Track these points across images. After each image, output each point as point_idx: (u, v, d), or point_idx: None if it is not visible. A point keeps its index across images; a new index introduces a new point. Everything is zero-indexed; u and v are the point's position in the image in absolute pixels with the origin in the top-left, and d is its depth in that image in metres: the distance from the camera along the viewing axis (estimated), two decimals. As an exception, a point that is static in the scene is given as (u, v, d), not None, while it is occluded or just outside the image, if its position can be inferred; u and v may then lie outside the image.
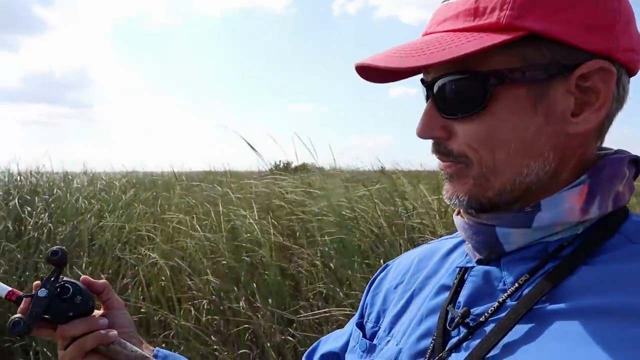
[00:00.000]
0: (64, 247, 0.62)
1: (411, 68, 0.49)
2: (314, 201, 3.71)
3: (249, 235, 3.34)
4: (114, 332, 0.64)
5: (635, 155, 0.54)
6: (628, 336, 0.40)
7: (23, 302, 0.60)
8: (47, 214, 4.58)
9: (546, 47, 0.48)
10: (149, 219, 4.31)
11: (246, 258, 3.14)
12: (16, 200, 4.75)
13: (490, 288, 0.52)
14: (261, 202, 4.03)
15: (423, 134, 0.52)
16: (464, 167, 0.52)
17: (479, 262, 0.55)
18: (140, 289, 3.37)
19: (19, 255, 4.12)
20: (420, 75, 0.56)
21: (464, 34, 0.49)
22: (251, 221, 3.24)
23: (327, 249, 3.01)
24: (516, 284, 0.49)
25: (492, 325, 0.48)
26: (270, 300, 2.82)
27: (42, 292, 0.60)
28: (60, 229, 4.45)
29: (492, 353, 0.46)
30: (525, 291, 0.48)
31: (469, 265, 0.56)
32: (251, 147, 3.96)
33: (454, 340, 0.51)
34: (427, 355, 0.53)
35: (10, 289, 0.62)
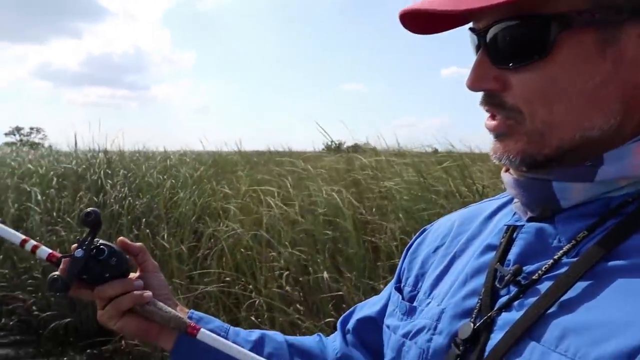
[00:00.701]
0: (97, 209, 0.63)
1: (469, 10, 0.44)
2: (388, 177, 3.69)
3: (325, 209, 3.38)
4: (149, 293, 0.64)
5: None
6: None
7: (62, 262, 0.62)
8: (126, 188, 4.80)
9: None
10: (225, 194, 4.43)
11: (328, 232, 3.18)
12: (101, 174, 5.00)
13: (543, 245, 0.49)
14: (336, 177, 4.06)
15: (474, 85, 0.48)
16: (515, 123, 0.47)
17: (529, 220, 0.51)
18: (223, 259, 3.48)
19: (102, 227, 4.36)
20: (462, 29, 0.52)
21: None
22: (334, 195, 3.26)
23: (405, 223, 3.00)
24: (573, 241, 0.46)
25: (546, 284, 0.45)
26: (352, 272, 2.84)
27: (79, 253, 0.61)
28: (138, 202, 4.66)
29: (550, 311, 0.43)
30: (584, 248, 0.45)
31: (518, 223, 0.53)
32: (323, 130, 3.98)
33: (503, 299, 0.48)
34: (474, 315, 0.50)
35: (50, 251, 0.63)
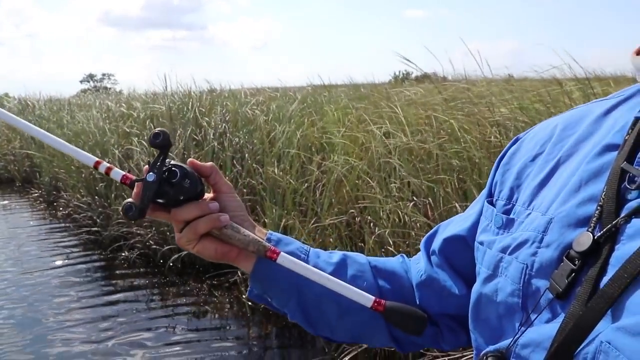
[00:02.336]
0: (165, 130, 0.59)
1: None
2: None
3: (447, 137, 3.16)
4: (226, 216, 0.61)
5: None
6: None
7: (135, 186, 0.59)
8: (224, 124, 4.79)
9: None
10: (324, 127, 4.30)
11: (456, 161, 2.99)
12: (196, 111, 5.01)
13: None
14: (444, 105, 3.80)
15: None
16: None
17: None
18: (340, 191, 3.39)
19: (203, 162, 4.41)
20: None
21: None
22: (452, 122, 3.03)
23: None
24: None
25: None
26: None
27: (151, 177, 0.58)
28: (236, 138, 4.64)
29: None
30: None
31: None
32: (407, 59, 3.67)
33: (633, 204, 0.40)
34: (592, 224, 0.42)
35: (123, 173, 0.60)
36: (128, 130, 5.28)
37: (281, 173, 3.83)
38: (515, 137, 0.64)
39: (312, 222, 3.38)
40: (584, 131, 0.53)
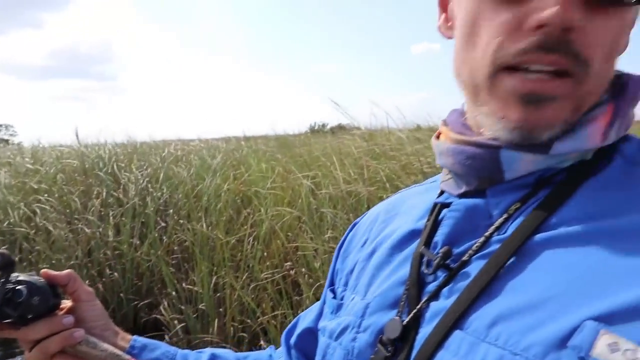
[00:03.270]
0: (5, 251, 0.57)
1: None
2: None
3: (378, 184, 3.31)
4: (80, 332, 0.59)
5: None
6: (630, 262, 0.35)
7: None
8: (145, 179, 4.62)
9: None
10: (249, 180, 4.30)
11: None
12: (114, 167, 4.79)
13: (473, 223, 0.45)
14: (353, 159, 3.98)
15: (566, 15, 0.37)
16: (576, 82, 0.39)
17: (460, 196, 0.47)
18: (272, 244, 3.38)
19: (124, 219, 4.18)
20: None
21: None
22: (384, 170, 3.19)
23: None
24: (505, 215, 0.43)
25: (477, 265, 0.41)
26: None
27: None
28: (158, 194, 4.48)
29: (480, 296, 0.39)
30: (515, 222, 0.42)
31: (448, 200, 0.49)
32: (340, 108, 3.87)
33: (431, 287, 0.44)
34: (400, 308, 0.46)
35: None
36: (35, 187, 4.89)
37: (209, 228, 3.74)
38: (353, 222, 0.66)
39: (245, 277, 3.32)
40: (400, 216, 0.57)
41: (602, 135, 0.42)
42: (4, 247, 3.07)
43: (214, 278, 3.40)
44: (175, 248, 3.93)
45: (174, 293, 3.56)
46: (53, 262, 4.15)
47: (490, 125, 0.43)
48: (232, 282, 3.25)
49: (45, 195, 4.66)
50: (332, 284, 0.62)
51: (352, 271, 0.58)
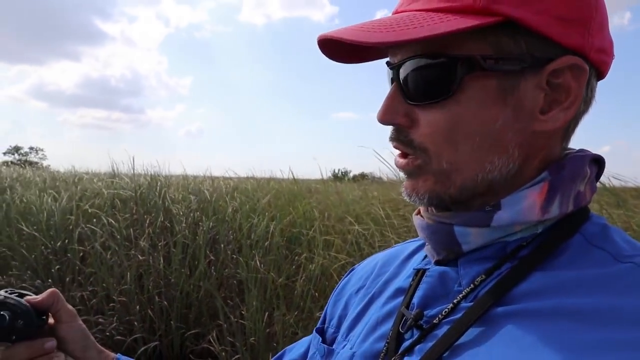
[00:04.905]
0: None
1: (379, 44, 0.46)
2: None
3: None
4: (60, 356, 0.62)
5: (597, 155, 0.51)
6: (580, 340, 0.38)
7: None
8: (197, 212, 4.79)
9: (521, 37, 0.44)
10: (304, 221, 4.46)
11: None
12: (167, 197, 4.99)
13: (445, 289, 0.50)
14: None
15: (384, 118, 0.48)
16: (423, 162, 0.48)
17: (437, 263, 0.52)
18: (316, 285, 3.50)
19: (173, 249, 4.34)
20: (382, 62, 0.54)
21: (438, 14, 0.45)
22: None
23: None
24: (472, 285, 0.47)
25: (445, 328, 0.46)
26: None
27: None
28: (206, 226, 4.64)
29: (443, 357, 0.44)
30: (481, 292, 0.46)
31: (427, 267, 0.53)
32: (382, 158, 4.05)
33: (406, 344, 0.49)
34: (380, 359, 0.51)
35: None
36: (90, 211, 5.10)
37: (261, 265, 3.89)
38: (351, 267, 0.70)
39: (295, 314, 3.43)
40: (392, 271, 0.61)
41: (540, 209, 0.46)
42: (57, 266, 3.25)
43: (266, 314, 3.52)
44: (231, 282, 4.06)
45: (225, 325, 3.67)
46: (103, 284, 4.30)
47: None
48: (286, 316, 3.35)
49: (96, 220, 4.87)
50: (323, 322, 0.67)
51: (345, 316, 0.62)
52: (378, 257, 0.67)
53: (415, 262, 0.59)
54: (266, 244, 4.16)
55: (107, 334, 4.01)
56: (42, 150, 44.20)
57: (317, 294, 3.57)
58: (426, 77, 0.46)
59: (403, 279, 0.57)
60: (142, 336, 3.94)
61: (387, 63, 0.51)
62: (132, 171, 6.11)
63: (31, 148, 44.19)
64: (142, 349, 3.83)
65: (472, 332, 0.43)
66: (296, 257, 3.97)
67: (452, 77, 0.45)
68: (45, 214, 5.24)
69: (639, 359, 0.36)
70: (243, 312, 3.66)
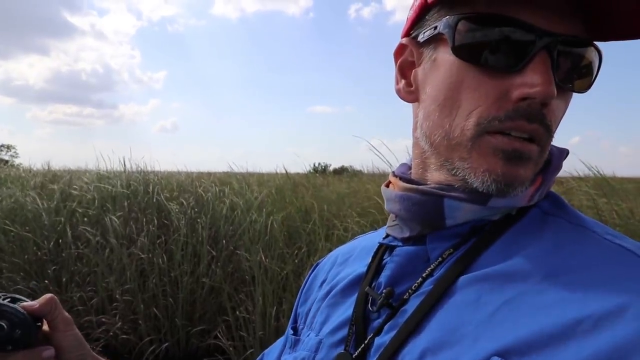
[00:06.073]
0: None
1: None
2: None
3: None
4: None
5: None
6: (532, 299, 0.40)
7: None
8: (194, 209, 4.79)
9: None
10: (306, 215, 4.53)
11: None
12: (159, 194, 4.96)
13: (413, 266, 0.50)
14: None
15: (546, 92, 0.42)
16: (540, 149, 0.46)
17: (405, 240, 0.52)
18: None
19: (172, 247, 4.34)
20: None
21: None
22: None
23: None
24: (440, 259, 0.48)
25: (414, 303, 0.46)
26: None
27: None
28: (203, 222, 4.65)
29: (413, 331, 0.44)
30: (448, 264, 0.47)
31: (392, 243, 0.54)
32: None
33: (375, 324, 0.49)
34: (347, 343, 0.51)
35: None
36: (81, 210, 5.02)
37: (266, 259, 3.95)
38: (315, 263, 0.71)
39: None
40: (352, 261, 0.62)
41: (529, 198, 0.47)
42: (53, 267, 3.21)
43: (274, 307, 3.59)
44: (235, 276, 4.10)
45: (232, 320, 3.72)
46: (103, 284, 4.27)
47: (469, 177, 0.45)
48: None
49: (87, 219, 4.80)
50: (295, 321, 0.67)
51: (310, 309, 0.62)
52: (338, 251, 0.68)
53: (374, 245, 0.58)
54: (266, 238, 4.21)
55: (111, 333, 4.00)
56: (14, 147, 42.44)
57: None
58: (576, 63, 0.44)
59: (364, 266, 0.57)
60: (148, 335, 3.95)
61: (543, 32, 0.42)
62: (122, 168, 6.02)
63: (2, 145, 42.42)
64: (150, 349, 3.84)
65: (440, 304, 0.44)
66: (296, 251, 4.04)
67: (596, 68, 0.45)
68: (32, 214, 5.13)
69: (578, 317, 0.37)
70: (249, 307, 3.72)
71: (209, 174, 7.20)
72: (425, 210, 0.48)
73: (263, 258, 3.91)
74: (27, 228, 5.00)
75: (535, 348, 0.36)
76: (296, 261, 3.94)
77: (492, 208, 0.46)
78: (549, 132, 0.45)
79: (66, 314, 0.61)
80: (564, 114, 0.46)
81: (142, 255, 4.29)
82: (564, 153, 0.52)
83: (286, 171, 6.07)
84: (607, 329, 0.35)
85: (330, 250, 2.86)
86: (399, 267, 0.50)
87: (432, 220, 0.48)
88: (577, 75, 0.45)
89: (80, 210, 5.00)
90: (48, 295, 0.59)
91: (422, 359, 0.42)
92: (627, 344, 0.34)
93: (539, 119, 0.43)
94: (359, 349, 0.48)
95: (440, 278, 0.45)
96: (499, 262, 0.44)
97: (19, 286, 4.71)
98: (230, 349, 3.61)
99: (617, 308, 0.36)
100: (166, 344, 3.93)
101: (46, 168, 8.32)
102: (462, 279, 0.44)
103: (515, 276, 0.42)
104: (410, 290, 0.47)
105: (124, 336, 3.98)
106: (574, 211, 0.49)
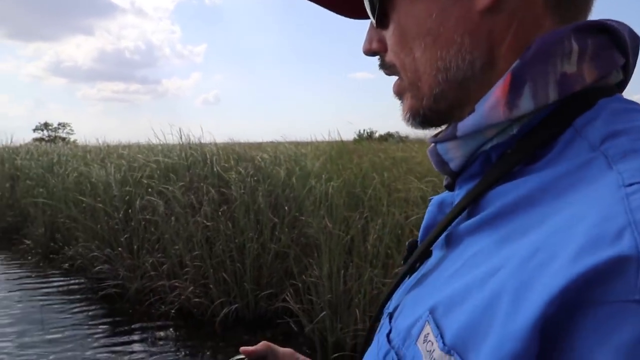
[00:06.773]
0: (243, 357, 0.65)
1: None
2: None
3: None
4: None
5: (593, 22, 0.40)
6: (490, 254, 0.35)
7: None
8: (252, 178, 4.87)
9: None
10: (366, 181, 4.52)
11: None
12: (216, 166, 5.05)
13: (442, 214, 0.49)
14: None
15: (364, 48, 0.51)
16: (400, 81, 0.48)
17: (447, 188, 0.50)
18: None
19: (235, 214, 4.44)
20: None
21: None
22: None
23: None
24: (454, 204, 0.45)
25: (435, 254, 0.46)
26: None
27: None
28: (262, 192, 4.73)
29: (415, 286, 0.45)
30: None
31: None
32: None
33: (417, 275, 0.48)
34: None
35: None
36: (146, 182, 5.21)
37: (332, 225, 3.99)
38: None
39: (370, 270, 3.54)
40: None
41: (505, 106, 0.38)
42: (125, 236, 3.33)
43: (342, 272, 3.64)
44: (301, 241, 4.17)
45: (299, 284, 3.80)
46: (172, 250, 4.44)
47: None
48: (366, 273, 3.47)
49: (151, 189, 4.97)
50: None
51: None
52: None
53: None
54: (327, 204, 4.24)
55: (184, 297, 4.18)
56: (69, 124, 45.25)
57: (389, 250, 3.67)
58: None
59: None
60: (218, 298, 4.10)
61: None
62: (178, 141, 6.17)
63: (59, 124, 45.21)
64: (222, 312, 3.99)
65: (445, 255, 0.42)
66: (357, 216, 4.05)
67: None
68: (103, 186, 5.36)
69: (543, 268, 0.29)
70: (315, 271, 3.78)
71: (259, 143, 7.29)
72: (436, 160, 0.47)
73: (328, 223, 3.95)
74: (98, 199, 5.23)
75: (457, 302, 0.34)
76: (359, 226, 3.95)
77: (469, 137, 0.42)
78: (389, 66, 0.48)
79: (285, 349, 0.67)
80: (397, 35, 0.46)
81: (208, 223, 4.42)
82: (565, 31, 0.38)
83: (341, 138, 6.04)
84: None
85: (395, 215, 2.81)
86: (431, 217, 0.50)
87: (444, 168, 0.47)
88: (372, 10, 0.47)
89: (145, 182, 5.19)
90: (263, 342, 0.66)
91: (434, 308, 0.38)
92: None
93: (379, 65, 0.50)
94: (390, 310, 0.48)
95: (447, 230, 0.43)
96: (490, 205, 0.38)
97: (95, 253, 4.99)
98: (301, 312, 3.70)
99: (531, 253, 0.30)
100: (236, 305, 4.07)
101: (102, 143, 8.66)
102: (461, 227, 0.41)
103: (486, 227, 0.37)
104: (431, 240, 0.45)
105: (196, 299, 4.15)
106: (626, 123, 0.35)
